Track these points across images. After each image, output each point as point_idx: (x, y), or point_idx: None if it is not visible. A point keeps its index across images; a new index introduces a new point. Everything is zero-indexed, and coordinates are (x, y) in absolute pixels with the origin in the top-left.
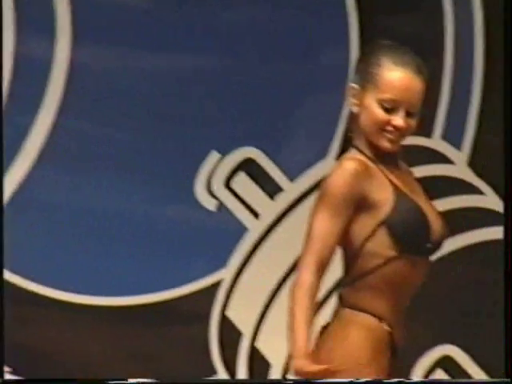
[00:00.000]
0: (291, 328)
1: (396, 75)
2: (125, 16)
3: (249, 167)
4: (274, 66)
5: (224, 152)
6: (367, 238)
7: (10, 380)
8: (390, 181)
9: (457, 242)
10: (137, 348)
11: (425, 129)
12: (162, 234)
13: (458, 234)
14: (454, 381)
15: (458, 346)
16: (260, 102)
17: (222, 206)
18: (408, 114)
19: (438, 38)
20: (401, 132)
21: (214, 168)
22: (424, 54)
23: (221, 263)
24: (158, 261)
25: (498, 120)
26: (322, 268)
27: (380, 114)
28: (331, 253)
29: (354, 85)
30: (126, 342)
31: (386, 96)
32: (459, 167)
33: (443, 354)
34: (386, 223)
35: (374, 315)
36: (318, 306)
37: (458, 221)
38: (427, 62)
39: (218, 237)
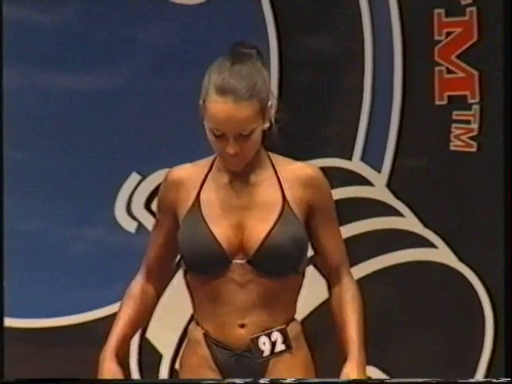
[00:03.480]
0: None
1: (216, 107)
2: (43, 38)
3: None
4: (193, 87)
5: (144, 173)
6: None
7: (10, 380)
8: (198, 195)
9: (376, 263)
10: (58, 369)
11: (345, 151)
12: (81, 256)
13: (377, 255)
14: (452, 380)
15: (377, 367)
16: (179, 123)
17: (142, 227)
18: (241, 137)
19: (357, 58)
20: (238, 155)
21: (135, 189)
22: (343, 75)
23: None
24: (77, 282)
25: (416, 143)
26: (150, 276)
27: (214, 141)
28: (157, 261)
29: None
30: (46, 364)
31: (211, 125)
32: (379, 189)
33: None
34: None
35: (195, 320)
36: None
37: (377, 243)
38: (347, 83)
39: (138, 258)
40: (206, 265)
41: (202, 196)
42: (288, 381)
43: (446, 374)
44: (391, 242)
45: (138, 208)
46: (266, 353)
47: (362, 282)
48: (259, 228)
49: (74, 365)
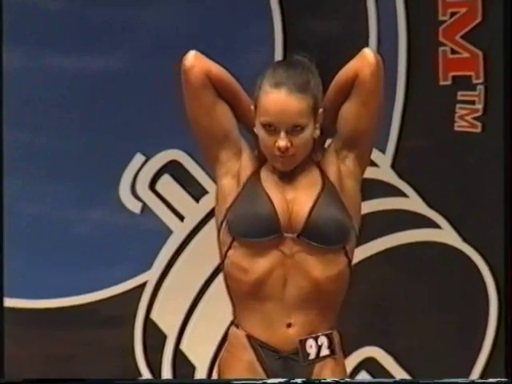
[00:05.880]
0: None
1: (269, 98)
2: (44, 19)
3: (174, 169)
4: None
5: (149, 154)
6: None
7: (10, 380)
8: (258, 170)
9: (381, 244)
10: (61, 350)
11: None
12: (86, 236)
13: (381, 236)
14: (453, 380)
15: (382, 347)
16: (183, 104)
17: (146, 208)
18: (292, 132)
19: (362, 39)
20: (288, 151)
21: (139, 170)
22: (348, 56)
23: (145, 266)
24: (82, 263)
25: (420, 124)
26: None
27: (265, 137)
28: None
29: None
30: (52, 345)
31: (264, 119)
32: (383, 170)
33: (367, 355)
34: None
35: (235, 324)
36: None
37: (382, 223)
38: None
39: (143, 239)
40: (259, 228)
41: (262, 173)
42: (297, 380)
43: (451, 354)
44: (395, 222)
45: (143, 189)
46: (312, 356)
47: (365, 263)
48: (305, 204)
49: (76, 346)
